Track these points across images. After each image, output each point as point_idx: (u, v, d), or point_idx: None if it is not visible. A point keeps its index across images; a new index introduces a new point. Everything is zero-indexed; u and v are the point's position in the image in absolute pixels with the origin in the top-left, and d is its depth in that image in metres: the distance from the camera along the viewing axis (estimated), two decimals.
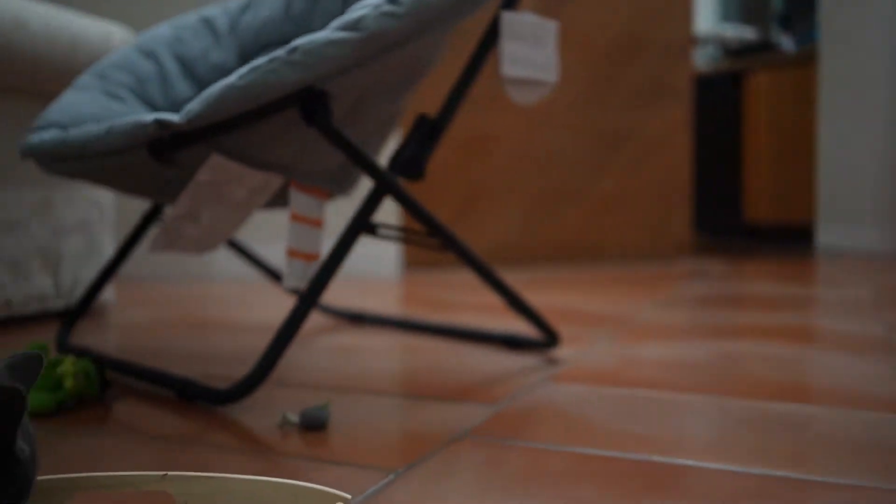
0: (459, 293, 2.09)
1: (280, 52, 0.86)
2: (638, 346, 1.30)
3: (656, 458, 0.75)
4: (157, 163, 0.93)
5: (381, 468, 0.73)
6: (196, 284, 2.47)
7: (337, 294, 2.09)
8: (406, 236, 1.06)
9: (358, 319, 1.60)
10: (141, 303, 1.99)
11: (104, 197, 1.75)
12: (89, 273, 1.71)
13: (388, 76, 0.99)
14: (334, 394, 1.01)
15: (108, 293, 1.77)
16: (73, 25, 1.55)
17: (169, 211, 0.95)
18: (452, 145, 2.85)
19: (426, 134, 1.05)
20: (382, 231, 1.00)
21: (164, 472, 0.56)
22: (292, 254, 1.02)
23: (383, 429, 0.86)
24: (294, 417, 0.86)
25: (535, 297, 1.97)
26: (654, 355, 1.23)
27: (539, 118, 2.95)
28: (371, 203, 1.00)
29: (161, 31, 1.39)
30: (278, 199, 1.14)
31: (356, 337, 1.43)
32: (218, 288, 2.34)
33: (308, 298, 0.94)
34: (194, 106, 0.87)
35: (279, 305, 1.89)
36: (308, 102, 0.89)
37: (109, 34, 1.62)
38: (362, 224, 0.99)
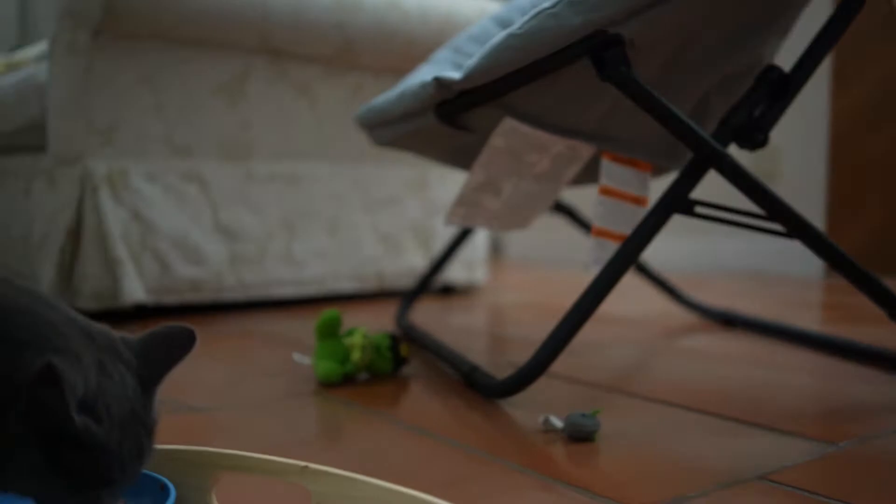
0: None
1: None
2: None
3: None
4: (446, 126, 0.86)
5: (619, 502, 0.57)
6: (579, 271, 2.40)
7: (732, 292, 1.86)
8: (736, 219, 0.86)
9: (730, 321, 1.39)
10: (510, 285, 1.98)
11: None
12: (460, 252, 1.72)
13: (714, 22, 0.80)
14: (638, 401, 0.85)
15: (479, 274, 1.77)
16: (447, 3, 1.56)
17: (466, 180, 0.88)
18: None
19: (774, 91, 0.83)
20: (701, 210, 0.82)
21: (305, 464, 0.48)
22: (599, 233, 0.88)
23: (660, 452, 0.69)
24: (558, 422, 0.73)
25: None
26: None
27: None
28: (689, 176, 0.82)
29: (521, 1, 1.33)
30: (595, 173, 1.00)
31: (716, 341, 1.23)
32: None
33: (598, 286, 0.80)
34: (473, 61, 0.78)
35: (653, 300, 1.73)
36: (599, 50, 0.74)
37: (483, 10, 1.61)
38: (677, 201, 0.82)
